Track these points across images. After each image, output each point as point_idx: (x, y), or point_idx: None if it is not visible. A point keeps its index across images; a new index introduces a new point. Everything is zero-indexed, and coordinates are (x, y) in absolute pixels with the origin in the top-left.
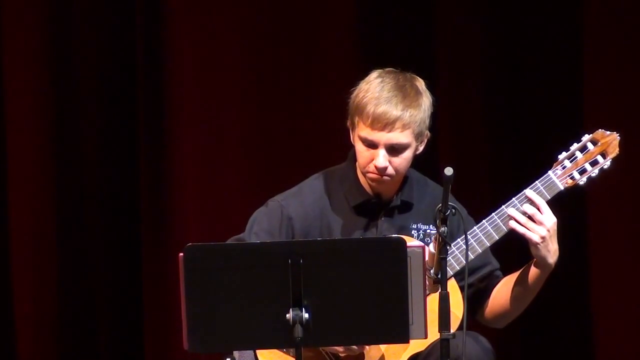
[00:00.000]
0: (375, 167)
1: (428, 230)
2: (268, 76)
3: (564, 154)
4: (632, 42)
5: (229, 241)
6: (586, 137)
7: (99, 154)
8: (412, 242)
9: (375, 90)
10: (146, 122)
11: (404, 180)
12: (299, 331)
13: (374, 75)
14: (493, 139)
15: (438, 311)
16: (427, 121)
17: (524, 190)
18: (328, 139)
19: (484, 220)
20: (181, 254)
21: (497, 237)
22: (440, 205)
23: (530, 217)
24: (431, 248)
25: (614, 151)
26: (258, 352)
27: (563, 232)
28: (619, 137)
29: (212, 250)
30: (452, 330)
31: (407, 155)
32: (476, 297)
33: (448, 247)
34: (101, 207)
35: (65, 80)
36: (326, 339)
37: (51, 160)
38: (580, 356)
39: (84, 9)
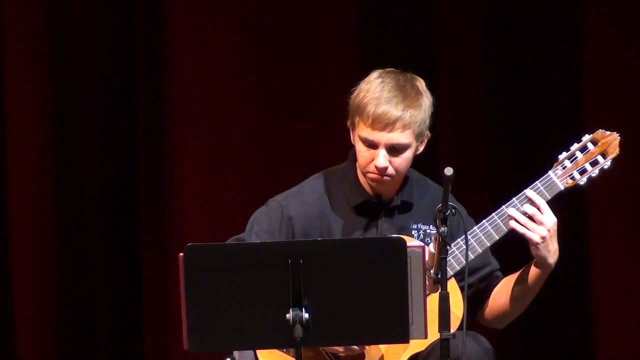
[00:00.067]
0: (376, 167)
1: (428, 230)
2: (268, 76)
3: (564, 154)
4: (632, 42)
5: (229, 241)
6: (586, 137)
7: (99, 154)
8: (412, 242)
9: (375, 91)
10: (146, 122)
11: (404, 180)
12: (299, 331)
13: (374, 75)
14: (493, 139)
15: (438, 311)
16: (428, 121)
17: (524, 190)
18: (328, 139)
19: (484, 220)
20: (181, 254)
21: (497, 237)
22: (440, 205)
23: (530, 217)
24: (431, 248)
25: (614, 151)
26: (258, 352)
27: (563, 232)
28: (619, 137)
29: (212, 250)
30: (452, 330)
31: (408, 155)
32: (476, 298)
33: (448, 247)
34: (101, 207)
35: (65, 80)
36: (326, 339)
37: (51, 160)
38: (580, 356)
39: (84, 9)
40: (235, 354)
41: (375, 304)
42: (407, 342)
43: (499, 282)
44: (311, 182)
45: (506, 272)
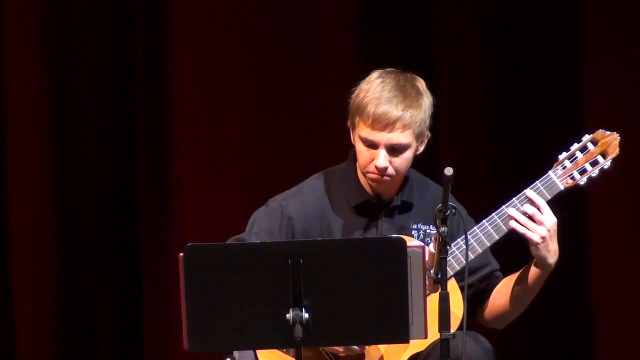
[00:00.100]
0: (376, 167)
1: (428, 230)
2: (268, 76)
3: (564, 154)
4: (632, 42)
5: (229, 241)
6: (586, 137)
7: (99, 154)
8: (412, 242)
9: (376, 91)
10: (146, 122)
11: (405, 180)
12: (299, 331)
13: (374, 75)
14: (493, 139)
15: (438, 311)
16: (428, 121)
17: (524, 190)
18: (328, 139)
19: (484, 220)
20: (181, 254)
21: (497, 237)
22: (440, 205)
23: (530, 217)
24: (431, 248)
25: (614, 151)
26: (258, 352)
27: (563, 232)
28: (619, 137)
29: (212, 250)
30: (452, 330)
31: (408, 155)
32: (476, 298)
33: (448, 247)
34: (101, 207)
35: (65, 80)
36: (326, 339)
37: (51, 160)
38: (580, 356)
39: (84, 9)
40: (235, 354)
41: (375, 304)
42: (407, 342)
43: (499, 282)
44: (311, 182)
45: (506, 272)
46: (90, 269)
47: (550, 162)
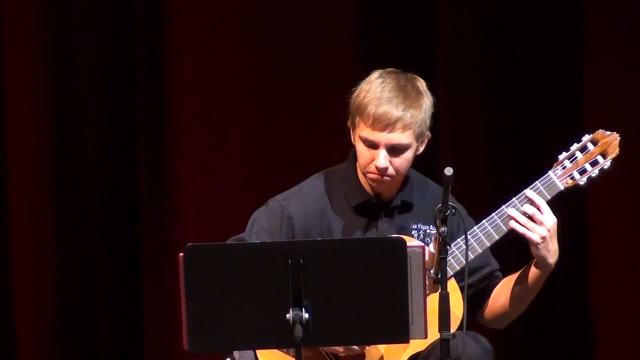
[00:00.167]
0: (376, 167)
1: (428, 230)
2: (268, 76)
3: (564, 154)
4: (632, 42)
5: (229, 241)
6: (586, 137)
7: (99, 154)
8: (412, 242)
9: (376, 91)
10: (146, 122)
11: (405, 180)
12: (299, 331)
13: (375, 75)
14: (493, 139)
15: (438, 311)
16: (428, 122)
17: (524, 190)
18: (328, 139)
19: (484, 220)
20: (181, 254)
21: (497, 237)
22: (440, 205)
23: (530, 217)
24: (431, 248)
25: (614, 151)
26: (258, 352)
27: (563, 232)
28: (619, 138)
29: (212, 250)
30: (452, 330)
31: (408, 155)
32: (476, 298)
33: (448, 247)
34: (101, 207)
35: (65, 80)
36: (326, 339)
37: (51, 160)
38: (580, 356)
39: (84, 9)
40: (235, 354)
41: (375, 304)
42: (407, 342)
43: (499, 282)
44: (311, 182)
45: (506, 272)
46: (90, 269)
47: (550, 162)
